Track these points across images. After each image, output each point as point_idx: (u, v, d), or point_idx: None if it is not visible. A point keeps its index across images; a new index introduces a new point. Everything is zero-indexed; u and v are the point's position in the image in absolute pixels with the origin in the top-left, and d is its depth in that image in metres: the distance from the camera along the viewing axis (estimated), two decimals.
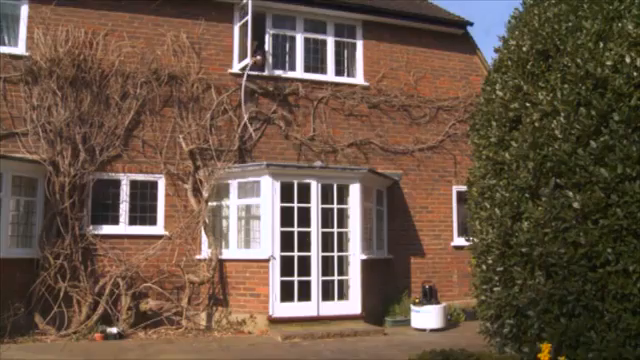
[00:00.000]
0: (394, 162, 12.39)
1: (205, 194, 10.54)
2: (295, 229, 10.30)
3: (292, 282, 10.18)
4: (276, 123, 11.58)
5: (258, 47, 11.40)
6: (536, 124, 5.93)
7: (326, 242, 10.55)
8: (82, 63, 10.40)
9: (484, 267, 6.46)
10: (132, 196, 10.64)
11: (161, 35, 11.03)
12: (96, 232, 10.22)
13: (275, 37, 11.94)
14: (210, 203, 10.66)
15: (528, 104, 6.14)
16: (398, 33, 12.71)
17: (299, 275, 10.21)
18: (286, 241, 10.26)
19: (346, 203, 10.87)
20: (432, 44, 13.01)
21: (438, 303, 10.77)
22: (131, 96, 10.67)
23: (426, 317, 10.53)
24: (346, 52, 12.55)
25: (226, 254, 10.55)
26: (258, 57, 11.32)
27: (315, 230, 10.38)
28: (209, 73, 11.25)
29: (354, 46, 12.52)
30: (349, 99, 12.12)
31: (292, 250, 10.25)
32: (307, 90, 11.84)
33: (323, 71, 12.20)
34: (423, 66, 12.88)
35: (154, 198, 10.78)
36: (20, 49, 10.25)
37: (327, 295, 10.42)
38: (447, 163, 12.83)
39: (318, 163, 11.16)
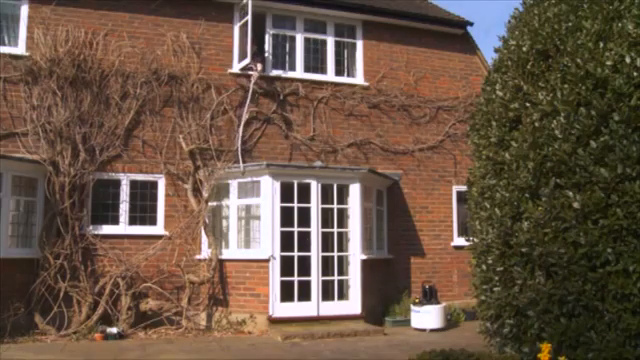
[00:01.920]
0: (394, 162, 12.39)
1: (205, 194, 10.55)
2: (295, 229, 10.30)
3: (292, 282, 10.18)
4: (276, 123, 11.58)
5: (257, 52, 11.39)
6: (536, 124, 5.93)
7: (326, 242, 10.55)
8: (82, 63, 10.40)
9: (484, 267, 6.45)
10: (132, 196, 10.64)
11: (161, 35, 11.03)
12: (96, 232, 10.22)
13: (275, 37, 11.94)
14: (210, 203, 10.66)
15: (528, 104, 6.14)
16: (398, 33, 12.71)
17: (299, 275, 10.21)
18: (286, 241, 10.26)
19: (346, 203, 10.87)
20: (432, 44, 13.01)
21: (438, 303, 10.77)
22: (131, 96, 10.67)
23: (426, 317, 10.53)
24: (346, 52, 12.55)
25: (226, 254, 10.56)
26: (259, 65, 11.26)
27: (315, 230, 10.38)
28: (209, 73, 11.25)
29: (354, 46, 12.52)
30: (349, 99, 12.12)
31: (292, 250, 10.25)
32: (307, 90, 11.84)
33: (323, 71, 12.20)
34: (423, 66, 12.88)
35: (154, 198, 10.78)
36: (20, 49, 10.26)
37: (327, 295, 10.42)
38: (447, 163, 12.82)
39: (318, 163, 11.17)
